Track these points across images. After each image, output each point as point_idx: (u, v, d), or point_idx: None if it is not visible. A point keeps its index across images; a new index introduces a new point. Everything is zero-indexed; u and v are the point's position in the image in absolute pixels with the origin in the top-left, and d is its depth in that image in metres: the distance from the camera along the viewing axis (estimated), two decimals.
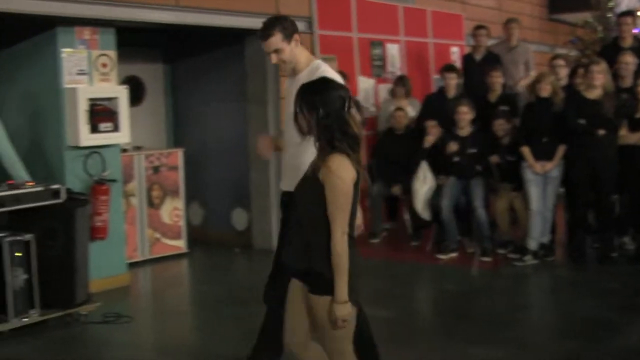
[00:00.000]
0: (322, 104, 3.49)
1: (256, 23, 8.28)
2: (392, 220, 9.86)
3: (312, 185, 3.50)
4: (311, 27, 9.12)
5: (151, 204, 8.59)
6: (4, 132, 6.54)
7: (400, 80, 9.65)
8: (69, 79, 7.04)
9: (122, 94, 7.34)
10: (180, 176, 8.88)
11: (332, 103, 3.51)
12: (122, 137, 7.36)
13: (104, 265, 7.24)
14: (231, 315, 6.58)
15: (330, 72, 4.38)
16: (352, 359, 3.69)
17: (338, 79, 4.28)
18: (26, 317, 6.02)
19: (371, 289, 7.47)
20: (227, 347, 5.77)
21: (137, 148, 8.72)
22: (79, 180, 7.08)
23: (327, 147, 3.48)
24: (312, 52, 8.94)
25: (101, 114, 7.11)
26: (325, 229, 3.46)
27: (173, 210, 8.78)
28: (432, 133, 8.62)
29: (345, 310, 3.48)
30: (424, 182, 8.43)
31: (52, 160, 7.15)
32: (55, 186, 6.31)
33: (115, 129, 7.23)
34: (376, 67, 10.13)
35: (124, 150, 8.07)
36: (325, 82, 3.74)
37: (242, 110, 9.04)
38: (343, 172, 3.44)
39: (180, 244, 8.87)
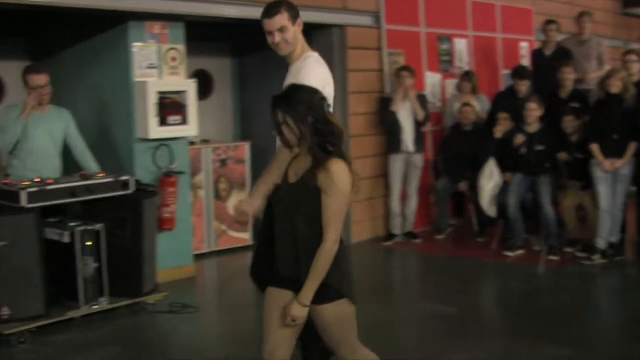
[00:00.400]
0: (311, 111, 3.42)
1: (323, 17, 8.45)
2: (458, 216, 9.80)
3: (306, 193, 3.42)
4: (379, 22, 9.11)
5: (218, 196, 8.69)
6: (75, 126, 6.69)
7: (467, 76, 9.56)
8: (139, 73, 7.17)
9: (190, 87, 7.44)
10: (247, 169, 8.96)
11: (318, 107, 3.46)
12: (191, 130, 7.46)
13: (171, 256, 7.35)
14: None
15: (310, 68, 4.23)
16: (364, 351, 3.67)
17: (317, 76, 4.18)
18: (96, 305, 6.17)
19: (435, 285, 7.48)
20: None
21: (205, 141, 8.83)
22: (147, 172, 7.20)
23: (321, 153, 3.40)
24: (379, 47, 8.97)
25: (170, 107, 7.22)
26: (317, 233, 3.41)
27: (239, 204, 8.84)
28: (503, 124, 8.52)
29: (303, 313, 3.45)
30: (490, 179, 8.34)
31: (122, 153, 7.29)
32: (125, 178, 6.45)
33: (184, 122, 7.33)
34: (443, 62, 10.06)
35: (192, 143, 8.18)
36: (301, 89, 3.59)
37: None
38: (345, 179, 3.39)
39: (245, 237, 8.95)
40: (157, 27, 7.28)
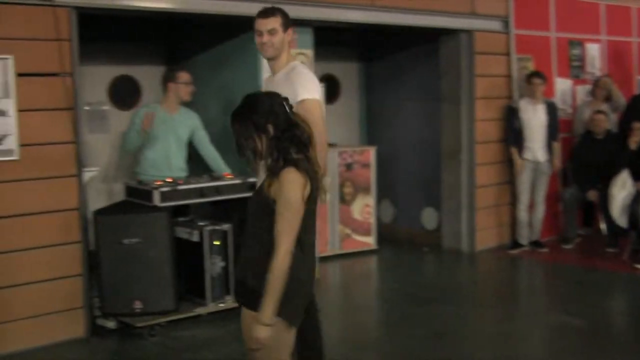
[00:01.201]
0: (266, 119, 3.28)
1: (451, 22, 8.40)
2: (587, 226, 9.51)
3: (262, 200, 3.29)
4: (507, 27, 8.96)
5: (343, 200, 8.76)
6: (202, 128, 6.91)
7: (601, 82, 9.28)
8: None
9: None
10: (372, 174, 8.99)
11: (279, 113, 3.31)
12: None
13: None
14: (417, 314, 6.59)
15: (304, 75, 4.27)
16: None
17: (314, 82, 4.26)
18: (222, 303, 6.34)
19: (563, 296, 7.29)
20: (412, 345, 5.79)
21: (331, 145, 8.89)
22: None
23: (276, 163, 3.24)
24: (508, 53, 8.81)
25: None
26: (268, 244, 3.22)
27: (364, 207, 8.91)
28: (637, 135, 8.23)
29: (265, 333, 3.21)
30: (622, 188, 8.07)
31: None
32: (252, 179, 6.58)
33: None
34: (574, 67, 9.78)
35: None
36: (254, 99, 3.40)
37: (435, 109, 9.03)
38: (293, 188, 3.20)
39: (369, 241, 8.99)
40: None
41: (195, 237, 6.22)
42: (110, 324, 6.12)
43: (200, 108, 7.06)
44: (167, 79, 6.78)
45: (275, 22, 4.37)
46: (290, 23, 4.46)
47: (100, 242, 5.98)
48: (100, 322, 6.12)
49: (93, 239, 6.05)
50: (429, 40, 8.97)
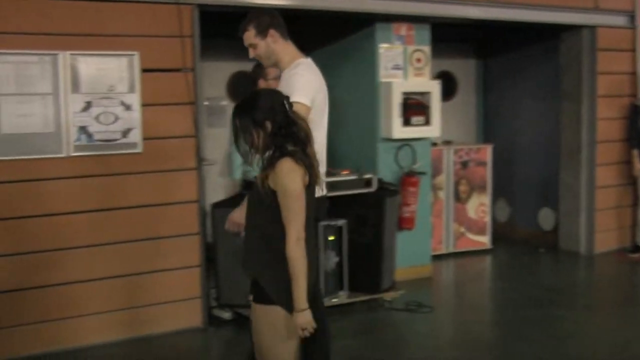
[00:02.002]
0: (265, 117, 3.35)
1: (572, 18, 8.17)
2: None
3: (259, 193, 3.31)
4: (633, 22, 8.65)
5: (458, 198, 8.67)
6: None
7: None
8: (384, 74, 7.31)
9: (434, 88, 7.48)
10: (488, 172, 8.86)
11: (272, 112, 3.37)
12: (433, 131, 7.50)
13: (409, 255, 7.44)
14: (532, 315, 6.45)
15: (298, 76, 4.09)
16: None
17: (308, 81, 4.07)
18: (335, 298, 6.37)
19: None
20: (527, 347, 5.67)
21: (447, 142, 8.83)
22: (390, 171, 7.33)
23: (273, 154, 3.32)
24: (633, 49, 8.51)
25: (414, 107, 7.30)
26: (271, 237, 3.30)
27: (479, 206, 8.79)
28: None
29: (304, 318, 3.27)
30: None
31: (366, 151, 7.46)
32: (368, 176, 6.61)
33: (427, 122, 7.39)
34: None
35: (434, 144, 8.21)
36: (255, 96, 3.49)
37: (554, 107, 8.82)
38: (293, 178, 3.27)
39: (484, 240, 8.86)
40: (403, 29, 7.39)
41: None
42: (226, 315, 6.25)
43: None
44: (258, 75, 6.77)
45: (249, 37, 4.24)
46: (267, 24, 4.23)
47: (218, 234, 6.10)
48: (217, 312, 6.26)
49: (211, 231, 6.19)
50: (549, 36, 8.76)
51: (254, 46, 4.23)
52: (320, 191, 3.75)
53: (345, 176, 6.54)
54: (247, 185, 6.40)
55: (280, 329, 3.34)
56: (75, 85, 5.57)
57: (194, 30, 5.97)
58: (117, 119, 5.71)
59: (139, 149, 5.76)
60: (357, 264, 6.46)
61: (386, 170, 7.31)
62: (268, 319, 3.36)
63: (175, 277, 5.98)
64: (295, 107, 3.69)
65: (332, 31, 7.81)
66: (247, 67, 8.25)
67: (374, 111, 7.36)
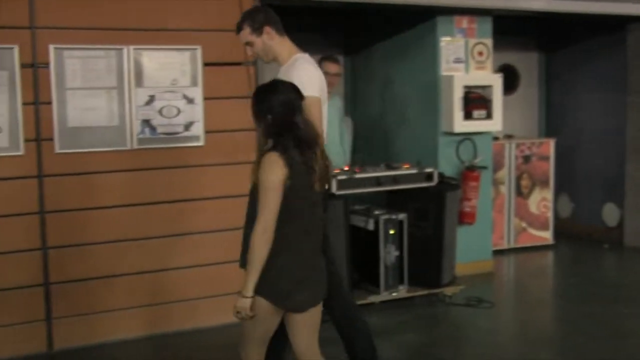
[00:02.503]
0: (268, 111, 3.50)
1: (638, 9, 7.96)
2: None
3: (254, 185, 3.51)
4: None
5: (520, 193, 8.57)
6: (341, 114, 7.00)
7: None
8: (445, 67, 7.26)
9: (496, 82, 7.40)
10: (550, 167, 8.74)
11: (276, 108, 3.49)
12: (495, 125, 7.42)
13: (469, 250, 7.39)
14: (595, 312, 6.35)
15: (302, 70, 4.11)
16: (251, 347, 3.63)
17: (310, 77, 4.08)
18: (395, 292, 6.37)
19: None
20: (588, 344, 5.59)
21: (508, 136, 8.74)
22: (450, 165, 7.28)
23: (264, 148, 3.48)
24: None
25: (475, 101, 7.24)
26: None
27: (541, 201, 8.68)
28: None
29: (243, 304, 3.42)
30: None
31: (426, 145, 7.42)
32: (428, 170, 6.57)
33: (488, 116, 7.32)
34: None
35: (496, 138, 8.13)
36: (270, 87, 3.63)
37: (620, 101, 8.65)
38: (271, 170, 3.39)
39: (546, 235, 8.75)
40: (465, 22, 7.33)
41: (370, 226, 6.27)
42: None
43: (363, 102, 7.12)
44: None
45: (245, 35, 4.29)
46: (262, 21, 4.25)
47: None
48: None
49: None
50: (615, 28, 8.59)
51: (250, 44, 4.31)
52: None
53: (406, 170, 6.52)
54: None
55: (261, 317, 3.49)
56: (139, 79, 5.66)
57: None
58: (179, 112, 5.78)
59: (201, 142, 5.82)
60: (418, 258, 6.44)
61: (447, 164, 7.26)
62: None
63: (234, 269, 6.01)
64: (308, 101, 3.80)
65: (392, 25, 7.79)
66: None
67: (434, 105, 7.32)
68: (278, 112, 3.50)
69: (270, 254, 3.41)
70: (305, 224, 3.53)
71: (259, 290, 3.44)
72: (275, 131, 3.48)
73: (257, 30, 4.26)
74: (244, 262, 3.64)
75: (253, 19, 4.27)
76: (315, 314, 3.64)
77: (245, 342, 3.65)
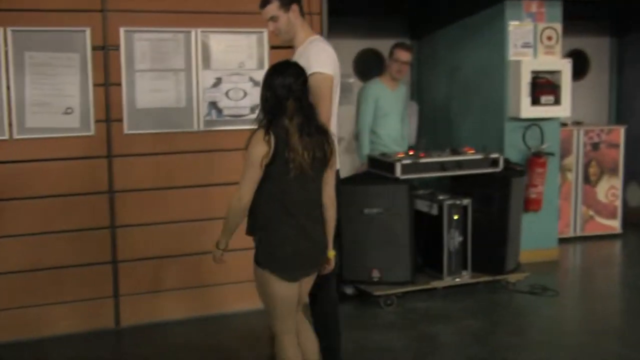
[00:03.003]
0: (266, 89, 3.72)
1: None
2: None
3: None
4: None
5: (587, 180, 8.42)
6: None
7: None
8: (514, 52, 7.16)
9: (565, 67, 7.27)
10: (620, 154, 8.56)
11: (273, 89, 3.69)
12: (563, 111, 7.30)
13: (534, 237, 7.30)
14: None
15: (319, 48, 4.14)
16: (284, 341, 3.85)
17: (328, 56, 4.12)
18: (458, 278, 6.33)
19: None
20: None
21: (577, 123, 8.59)
22: (516, 151, 7.20)
23: (256, 125, 3.71)
24: None
25: (543, 87, 7.13)
26: (255, 204, 3.72)
27: (609, 189, 8.52)
28: None
29: (215, 253, 3.85)
30: None
31: (492, 130, 7.34)
32: (494, 155, 6.50)
33: (556, 102, 7.20)
34: None
35: (564, 125, 8.00)
36: (277, 68, 3.80)
37: None
38: (252, 146, 3.64)
39: (614, 224, 8.58)
40: (534, 5, 7.21)
41: (434, 211, 6.24)
42: (349, 290, 6.31)
43: (428, 86, 7.07)
44: (389, 53, 6.84)
45: (271, 9, 4.24)
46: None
47: (342, 210, 6.10)
48: (339, 287, 6.31)
49: None
50: None
51: (275, 19, 4.27)
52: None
53: (470, 155, 6.47)
54: (374, 163, 6.43)
55: (266, 288, 3.76)
56: (206, 62, 5.72)
57: (323, 8, 6.00)
58: (245, 94, 5.83)
59: None
60: (481, 244, 6.38)
61: (513, 150, 7.18)
62: (258, 279, 3.79)
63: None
64: (318, 77, 3.99)
65: (458, 9, 7.72)
66: (374, 44, 8.31)
67: (501, 90, 7.23)
68: (275, 93, 3.69)
69: (265, 228, 3.72)
70: (290, 200, 3.71)
71: (269, 268, 3.72)
72: (268, 110, 3.70)
73: (286, 5, 4.24)
74: (249, 229, 3.84)
75: None
76: (307, 282, 3.91)
77: (271, 319, 3.87)
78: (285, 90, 3.68)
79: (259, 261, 3.75)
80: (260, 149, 3.61)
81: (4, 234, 5.35)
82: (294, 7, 4.27)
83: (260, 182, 3.68)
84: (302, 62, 3.97)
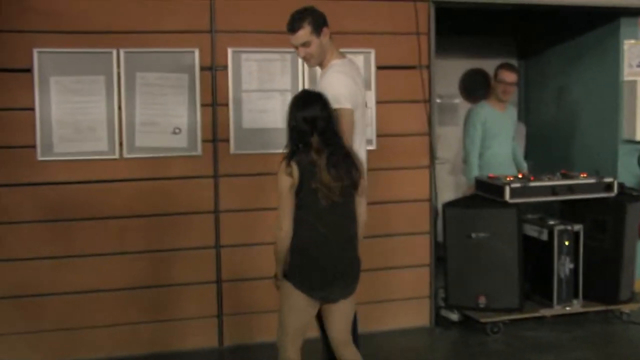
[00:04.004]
0: (291, 119, 3.84)
1: None
2: None
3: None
4: None
5: None
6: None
7: None
8: (628, 71, 6.92)
9: None
10: None
11: (296, 122, 3.81)
12: None
13: None
14: None
15: (334, 79, 4.07)
16: (287, 337, 3.95)
17: (343, 86, 4.04)
18: (569, 306, 6.10)
19: None
20: None
21: None
22: (631, 175, 6.91)
23: (285, 155, 3.84)
24: None
25: None
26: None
27: None
28: None
29: (276, 283, 3.99)
30: None
31: (605, 153, 7.09)
32: (608, 179, 6.25)
33: None
34: None
35: None
36: (298, 99, 3.92)
37: None
38: (279, 176, 3.80)
39: None
40: None
41: (544, 236, 6.04)
42: (454, 316, 6.16)
43: (535, 107, 6.87)
44: (494, 74, 6.66)
45: (303, 35, 4.12)
46: (322, 21, 4.14)
47: (448, 234, 6.04)
48: (444, 313, 6.19)
49: (441, 231, 6.13)
50: None
51: (307, 44, 4.16)
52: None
53: (583, 179, 6.23)
54: (481, 185, 6.28)
55: (289, 300, 3.89)
56: (313, 82, 5.69)
57: (430, 27, 5.93)
58: None
59: (372, 146, 5.79)
60: (593, 272, 6.13)
61: (627, 174, 6.89)
62: (283, 290, 3.91)
63: (405, 275, 5.99)
64: (341, 113, 3.99)
65: (569, 28, 7.50)
66: (481, 64, 8.16)
67: (614, 111, 6.97)
68: (298, 126, 3.80)
69: (299, 248, 3.83)
70: (323, 225, 3.83)
71: (292, 281, 3.86)
72: (293, 140, 3.83)
73: (318, 29, 4.15)
74: None
75: (315, 19, 4.15)
76: (346, 304, 3.98)
77: (282, 335, 3.97)
78: (308, 124, 3.79)
79: (286, 275, 3.89)
80: (285, 180, 3.78)
81: (115, 251, 5.44)
82: (325, 30, 4.18)
83: (295, 209, 3.83)
84: (320, 87, 4.05)
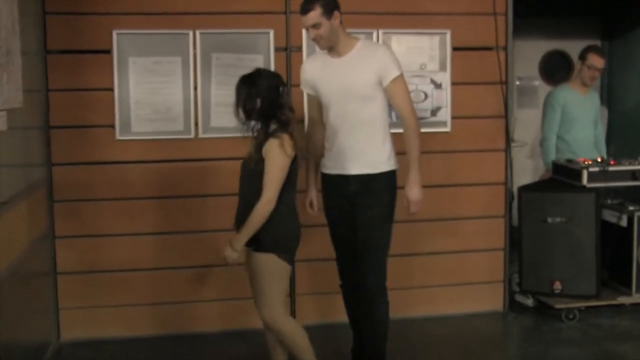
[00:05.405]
0: (258, 95, 3.97)
1: None
2: None
3: (255, 162, 3.98)
4: None
5: None
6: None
7: None
8: None
9: None
10: None
11: (267, 92, 3.98)
12: None
13: None
14: None
15: (384, 49, 4.32)
16: (284, 318, 4.17)
17: (390, 51, 4.35)
18: None
19: None
20: None
21: None
22: None
23: (261, 133, 4.00)
24: None
25: None
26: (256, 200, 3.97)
27: None
28: None
29: (234, 256, 4.04)
30: None
31: None
32: None
33: None
34: None
35: None
36: (258, 74, 4.07)
37: None
38: (274, 153, 3.92)
39: None
40: None
41: (623, 222, 5.89)
42: (528, 302, 6.07)
43: (619, 91, 6.66)
44: (580, 56, 6.44)
45: (314, 16, 4.19)
46: (333, 5, 4.23)
47: (524, 218, 5.95)
48: (519, 298, 6.11)
49: (516, 215, 6.04)
50: None
51: (317, 26, 4.22)
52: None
53: None
54: (559, 169, 6.16)
55: (275, 272, 4.06)
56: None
57: (508, 8, 5.82)
58: (427, 97, 5.73)
59: (447, 128, 5.74)
60: None
61: None
62: (267, 266, 4.03)
63: (479, 259, 5.93)
64: (402, 80, 4.30)
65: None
66: (562, 45, 7.98)
67: None
68: (266, 95, 3.98)
69: (279, 217, 3.99)
70: (293, 194, 4.13)
71: (274, 250, 4.01)
72: (263, 112, 3.99)
73: (329, 12, 4.22)
74: (238, 225, 4.10)
75: (327, 1, 4.23)
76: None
77: (270, 305, 4.09)
78: (278, 92, 4.03)
79: (269, 248, 4.01)
80: (285, 158, 3.95)
81: (192, 229, 5.55)
82: (336, 14, 4.26)
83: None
84: (364, 67, 4.25)
